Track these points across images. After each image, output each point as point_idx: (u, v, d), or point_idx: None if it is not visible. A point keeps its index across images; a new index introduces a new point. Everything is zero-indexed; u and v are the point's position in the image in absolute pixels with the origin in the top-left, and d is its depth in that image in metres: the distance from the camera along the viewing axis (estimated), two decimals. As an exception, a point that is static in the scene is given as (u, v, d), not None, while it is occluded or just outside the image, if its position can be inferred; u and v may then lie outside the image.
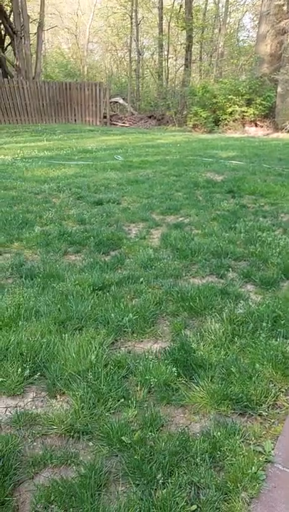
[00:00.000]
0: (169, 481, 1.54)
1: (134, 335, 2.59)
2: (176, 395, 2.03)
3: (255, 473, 1.58)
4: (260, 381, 2.09)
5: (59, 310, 2.78)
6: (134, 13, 26.74)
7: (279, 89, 19.95)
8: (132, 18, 26.79)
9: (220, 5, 28.98)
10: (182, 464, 1.63)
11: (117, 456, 1.68)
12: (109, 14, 30.41)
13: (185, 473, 1.59)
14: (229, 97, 19.61)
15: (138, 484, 1.54)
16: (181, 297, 2.99)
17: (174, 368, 2.19)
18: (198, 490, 1.53)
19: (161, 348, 2.42)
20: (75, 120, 22.51)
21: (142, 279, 3.31)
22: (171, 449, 1.68)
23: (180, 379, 2.13)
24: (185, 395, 2.03)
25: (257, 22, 24.56)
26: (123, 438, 1.73)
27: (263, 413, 1.93)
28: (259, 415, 1.92)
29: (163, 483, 1.53)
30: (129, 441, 1.72)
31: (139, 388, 2.07)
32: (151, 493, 1.50)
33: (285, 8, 19.06)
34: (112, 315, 2.71)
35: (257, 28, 23.30)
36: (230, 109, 19.78)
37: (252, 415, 1.92)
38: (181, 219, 5.10)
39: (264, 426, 1.86)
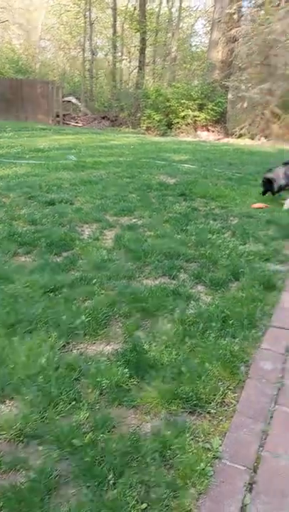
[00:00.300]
0: (120, 481, 1.55)
1: (87, 337, 2.57)
2: (128, 396, 2.04)
3: (204, 469, 1.63)
4: (209, 380, 2.15)
5: (8, 313, 2.71)
6: (87, 12, 26.57)
7: (230, 96, 20.61)
8: (85, 17, 26.61)
9: (173, 9, 29.45)
10: (133, 463, 1.64)
11: (67, 459, 1.67)
12: (62, 12, 29.97)
13: (136, 472, 1.60)
14: (182, 101, 19.99)
15: (89, 486, 1.54)
16: (134, 298, 3.01)
17: (126, 369, 2.20)
18: (148, 488, 1.55)
19: (114, 350, 2.43)
20: (26, 118, 22.01)
21: (94, 281, 3.29)
22: (122, 449, 1.69)
23: (132, 380, 2.15)
24: (137, 395, 2.05)
25: (209, 28, 25.21)
26: (74, 441, 1.72)
27: (212, 411, 1.98)
28: (208, 413, 1.97)
29: (114, 484, 1.54)
30: (80, 444, 1.71)
31: (90, 390, 2.06)
32: (102, 494, 1.51)
33: (235, 16, 19.71)
34: (64, 317, 2.68)
35: (209, 35, 23.91)
36: (182, 113, 20.16)
37: (201, 413, 1.97)
38: (134, 220, 5.13)
39: (212, 423, 1.92)
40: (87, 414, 1.89)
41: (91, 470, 1.60)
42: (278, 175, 6.05)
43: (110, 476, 1.56)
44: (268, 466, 1.71)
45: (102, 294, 3.09)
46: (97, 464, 1.62)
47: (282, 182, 6.05)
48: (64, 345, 2.45)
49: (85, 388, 2.08)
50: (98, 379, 2.11)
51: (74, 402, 1.97)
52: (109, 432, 1.82)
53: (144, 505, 1.47)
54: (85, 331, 2.59)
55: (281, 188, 6.16)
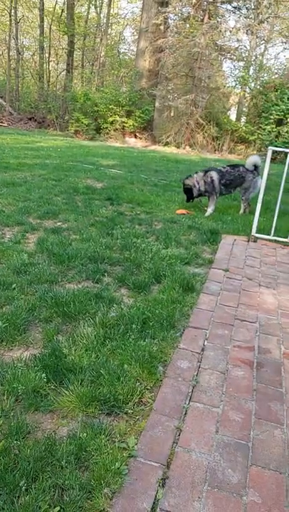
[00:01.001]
0: (33, 486, 1.53)
1: (4, 343, 2.50)
2: (45, 401, 2.02)
3: (118, 468, 1.65)
4: (127, 381, 2.19)
5: None
6: (13, 10, 25.76)
7: (157, 104, 21.09)
8: (11, 15, 25.75)
9: (101, 15, 29.55)
10: (47, 468, 1.63)
11: (-22, 469, 1.61)
12: (-14, 8, 28.75)
13: (50, 477, 1.59)
14: (110, 106, 20.12)
15: (0, 494, 1.49)
16: (55, 303, 2.97)
17: (44, 374, 2.17)
18: (62, 492, 1.54)
19: (32, 355, 2.38)
20: None
21: (14, 285, 3.20)
22: (37, 454, 1.66)
23: (49, 384, 2.12)
24: (54, 400, 2.03)
25: (137, 37, 25.68)
26: (-14, 450, 1.66)
27: (129, 411, 2.02)
28: (125, 413, 2.01)
29: (26, 490, 1.51)
30: (-8, 453, 1.66)
31: (6, 397, 2.00)
32: (14, 500, 1.47)
33: (162, 27, 20.28)
34: (-20, 323, 2.58)
35: (137, 43, 24.35)
36: (111, 119, 20.29)
37: (118, 414, 2.00)
38: (59, 224, 5.07)
39: (129, 423, 1.96)
40: (1, 422, 1.83)
41: (3, 478, 1.55)
42: (198, 181, 6.31)
43: (22, 482, 1.53)
44: (180, 460, 1.78)
45: (21, 298, 3.02)
46: (9, 471, 1.58)
47: (202, 188, 6.32)
48: (-21, 353, 2.36)
49: (0, 395, 2.02)
50: (14, 385, 2.06)
51: (-13, 411, 1.90)
52: (23, 438, 1.78)
53: (58, 509, 1.47)
54: (1, 337, 2.51)
55: (201, 194, 6.43)
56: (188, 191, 6.44)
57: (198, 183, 6.30)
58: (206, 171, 6.35)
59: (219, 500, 1.61)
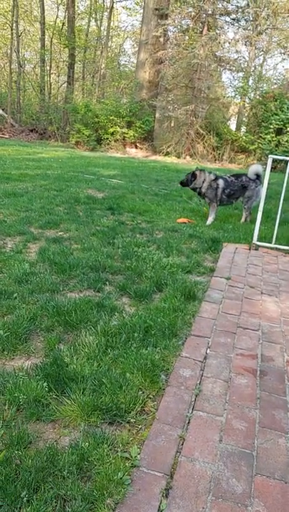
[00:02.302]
0: (35, 497, 1.51)
1: (5, 352, 2.48)
2: (47, 411, 2.00)
3: (121, 478, 1.63)
4: (129, 389, 2.17)
5: None
6: (14, 24, 26.13)
7: (157, 115, 21.28)
8: (12, 29, 26.13)
9: (102, 28, 29.97)
10: (49, 478, 1.60)
11: (-21, 480, 1.59)
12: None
13: (52, 487, 1.56)
14: (111, 117, 20.30)
15: (1, 505, 1.47)
16: (57, 312, 2.96)
17: (46, 383, 2.15)
18: (64, 503, 1.51)
19: (33, 365, 2.36)
20: None
21: (15, 295, 3.20)
22: (38, 465, 1.64)
23: (51, 394, 2.10)
24: (56, 409, 2.01)
25: (137, 49, 25.99)
26: (-13, 461, 1.64)
27: (132, 420, 2.00)
28: (128, 422, 1.99)
29: (28, 501, 1.49)
30: (-7, 463, 1.64)
31: (7, 407, 1.99)
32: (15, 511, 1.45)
33: (161, 39, 20.53)
34: (-19, 333, 2.56)
35: (137, 55, 24.63)
36: (111, 130, 20.46)
37: (121, 423, 1.97)
38: (60, 233, 5.08)
39: (132, 432, 1.93)
40: (2, 432, 1.81)
41: (4, 489, 1.53)
42: (205, 179, 6.28)
43: (24, 492, 1.51)
44: (184, 470, 1.75)
45: (23, 307, 3.01)
46: (10, 481, 1.56)
47: (203, 190, 6.30)
48: (-20, 362, 2.35)
49: (1, 405, 2.00)
50: (15, 395, 2.04)
51: (-12, 421, 1.88)
52: (25, 448, 1.76)
53: (60, 520, 1.44)
54: (3, 347, 2.50)
55: (195, 190, 6.40)
56: (191, 178, 6.36)
57: (203, 182, 6.29)
58: (216, 178, 6.34)
59: (224, 511, 1.58)
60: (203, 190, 6.31)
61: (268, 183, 5.09)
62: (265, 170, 5.39)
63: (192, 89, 19.58)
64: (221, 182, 6.28)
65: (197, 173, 6.35)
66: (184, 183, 6.55)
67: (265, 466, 1.81)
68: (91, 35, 30.34)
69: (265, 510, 1.60)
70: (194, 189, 6.43)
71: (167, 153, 20.05)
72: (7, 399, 2.03)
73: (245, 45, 21.01)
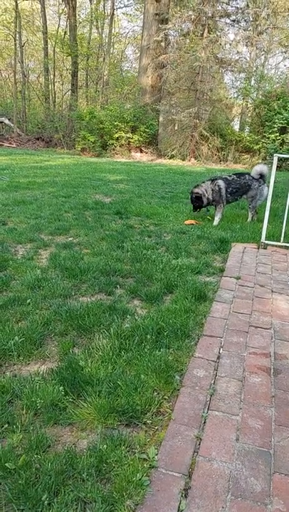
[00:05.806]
0: (55, 500, 1.52)
1: (21, 358, 2.51)
2: (64, 414, 2.01)
3: (140, 479, 1.64)
4: (145, 391, 2.18)
5: None
6: (17, 35, 26.45)
7: (161, 119, 21.34)
8: (15, 40, 26.45)
9: (103, 35, 30.19)
10: (69, 481, 1.62)
11: (0, 484, 1.61)
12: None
13: (72, 490, 1.58)
14: (115, 123, 20.41)
15: (23, 509, 1.49)
16: (69, 316, 2.99)
17: (62, 387, 2.17)
18: (84, 505, 1.53)
19: (49, 369, 2.39)
20: None
21: (29, 301, 3.23)
22: (58, 468, 1.66)
23: (67, 397, 2.12)
24: (72, 412, 2.03)
25: (138, 54, 26.13)
26: (7, 464, 1.66)
27: (148, 421, 2.01)
28: (144, 424, 2.00)
29: (49, 504, 1.51)
30: (14, 467, 1.65)
31: (25, 411, 2.01)
32: (37, 515, 1.47)
33: (163, 44, 20.62)
34: (-4, 339, 2.60)
35: (139, 60, 24.76)
36: (116, 135, 20.57)
37: (137, 424, 1.98)
38: (70, 239, 5.12)
39: (148, 433, 1.94)
40: (21, 436, 1.84)
41: (25, 492, 1.55)
42: (206, 189, 6.33)
43: (45, 496, 1.53)
44: (202, 470, 1.76)
45: (36, 313, 3.04)
46: (31, 485, 1.58)
47: (210, 197, 6.33)
48: (-4, 368, 2.37)
49: (19, 410, 2.03)
50: (33, 399, 2.07)
51: (7, 425, 1.91)
52: (44, 452, 1.78)
53: (81, 522, 1.46)
54: (18, 352, 2.53)
55: (209, 203, 6.44)
56: (197, 200, 6.42)
57: (206, 192, 6.32)
58: (212, 180, 6.38)
59: (243, 510, 1.58)
60: (210, 197, 6.32)
61: (274, 182, 5.08)
62: (270, 170, 5.39)
63: (195, 91, 19.62)
64: (220, 182, 6.29)
65: (196, 191, 6.38)
66: (196, 207, 6.57)
67: (283, 464, 1.81)
68: (93, 42, 30.58)
69: (285, 508, 1.60)
70: (209, 203, 6.44)
71: (172, 156, 20.09)
72: (24, 404, 2.06)
73: (246, 45, 20.98)
